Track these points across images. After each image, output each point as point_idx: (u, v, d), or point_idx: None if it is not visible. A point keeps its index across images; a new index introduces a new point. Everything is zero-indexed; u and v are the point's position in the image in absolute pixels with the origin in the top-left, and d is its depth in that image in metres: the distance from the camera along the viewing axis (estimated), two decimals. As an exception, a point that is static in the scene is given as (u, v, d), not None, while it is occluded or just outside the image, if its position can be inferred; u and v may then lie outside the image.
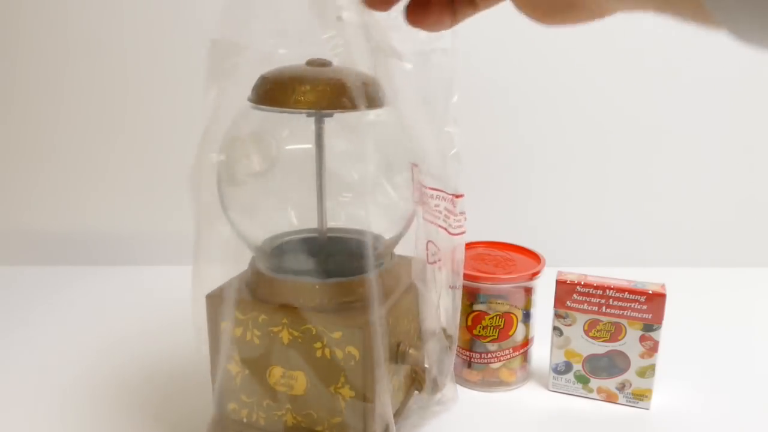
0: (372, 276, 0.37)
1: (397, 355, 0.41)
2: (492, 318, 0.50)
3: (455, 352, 0.43)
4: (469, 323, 0.51)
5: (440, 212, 0.40)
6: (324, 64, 0.38)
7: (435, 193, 0.40)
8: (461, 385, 0.52)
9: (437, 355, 0.42)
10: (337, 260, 0.42)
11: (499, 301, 0.50)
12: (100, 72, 0.73)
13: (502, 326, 0.50)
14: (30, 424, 0.47)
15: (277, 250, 0.43)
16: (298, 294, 0.39)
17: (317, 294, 0.38)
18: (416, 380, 0.43)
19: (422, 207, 0.40)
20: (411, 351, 0.41)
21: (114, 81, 0.74)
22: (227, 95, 0.37)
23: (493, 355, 0.50)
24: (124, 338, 0.60)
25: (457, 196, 0.39)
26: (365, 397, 0.38)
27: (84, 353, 0.57)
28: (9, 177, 0.79)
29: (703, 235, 0.79)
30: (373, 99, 0.37)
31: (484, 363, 0.51)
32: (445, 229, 0.40)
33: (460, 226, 0.40)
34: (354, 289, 0.39)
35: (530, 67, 0.75)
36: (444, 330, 0.43)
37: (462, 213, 0.40)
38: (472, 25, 0.67)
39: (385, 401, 0.38)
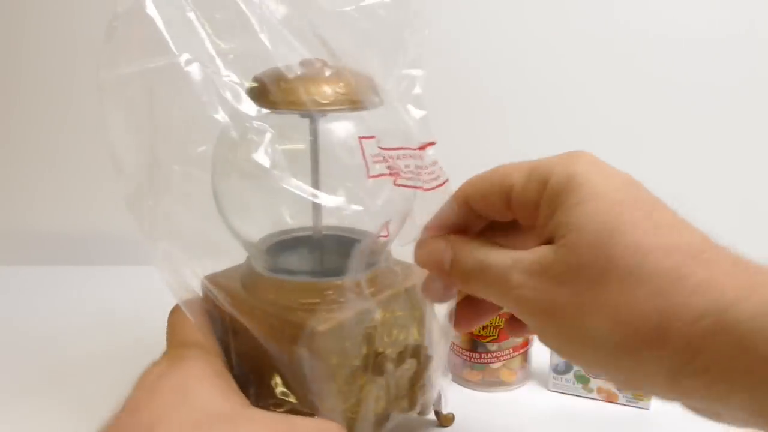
0: (348, 277, 0.37)
1: (374, 365, 0.39)
2: (492, 318, 0.50)
3: (437, 372, 0.42)
4: (469, 323, 0.51)
5: (412, 172, 0.36)
6: (318, 63, 0.38)
7: (400, 153, 0.36)
8: (461, 384, 0.52)
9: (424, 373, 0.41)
10: (329, 259, 0.42)
11: (499, 301, 0.50)
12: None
13: (502, 326, 0.50)
14: (30, 424, 0.47)
15: (271, 249, 0.43)
16: (287, 293, 0.39)
17: (302, 293, 0.38)
18: (407, 396, 0.42)
19: (394, 176, 0.36)
20: (388, 364, 0.40)
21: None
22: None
23: (493, 355, 0.50)
24: (125, 338, 0.60)
25: (422, 147, 0.35)
26: (314, 402, 0.37)
27: (84, 353, 0.57)
28: (9, 177, 0.79)
29: (703, 235, 0.78)
30: (368, 98, 0.37)
31: (484, 363, 0.51)
32: (421, 188, 0.36)
33: (435, 178, 0.35)
34: (338, 290, 0.38)
35: (528, 68, 0.75)
36: (421, 346, 0.42)
37: (434, 163, 0.35)
38: (467, 27, 0.68)
39: (334, 407, 0.37)
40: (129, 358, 0.55)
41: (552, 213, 0.27)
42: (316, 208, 0.40)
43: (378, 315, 0.38)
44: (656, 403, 0.49)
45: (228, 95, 0.35)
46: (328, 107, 0.36)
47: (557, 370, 0.50)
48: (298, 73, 0.37)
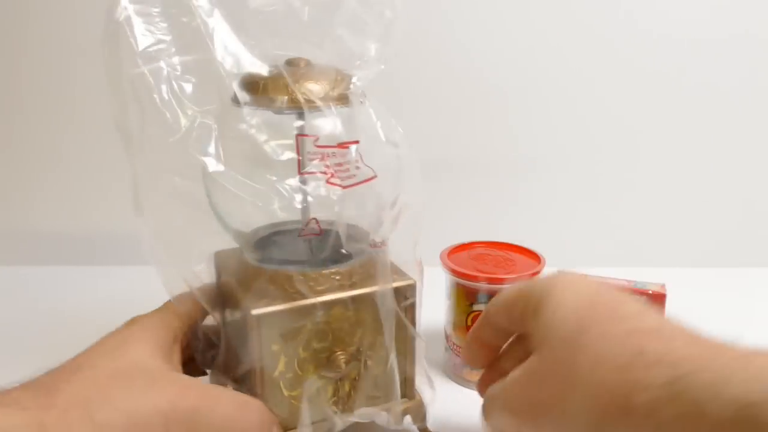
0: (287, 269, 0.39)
1: (326, 362, 0.40)
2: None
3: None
4: (469, 323, 0.51)
5: (342, 171, 0.38)
6: (302, 63, 0.39)
7: (330, 151, 0.38)
8: (461, 384, 0.52)
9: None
10: (302, 251, 0.43)
11: (499, 301, 0.50)
12: (102, 72, 0.73)
13: (502, 326, 0.50)
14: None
15: (260, 242, 0.44)
16: (250, 277, 0.40)
17: (258, 278, 0.40)
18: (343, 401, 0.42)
19: (329, 175, 0.38)
20: (342, 364, 0.40)
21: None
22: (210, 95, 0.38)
23: (493, 355, 0.50)
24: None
25: (342, 145, 0.37)
26: (256, 384, 0.38)
27: (84, 353, 0.57)
28: (9, 177, 0.79)
29: (703, 235, 0.79)
30: (352, 95, 0.39)
31: (484, 363, 0.51)
32: (340, 186, 0.38)
33: (350, 176, 0.37)
34: (288, 280, 0.39)
35: (529, 67, 0.75)
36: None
37: (351, 161, 0.37)
38: (469, 26, 0.68)
39: (276, 393, 0.38)
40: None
41: (534, 324, 0.31)
42: (304, 201, 0.40)
43: (335, 312, 0.39)
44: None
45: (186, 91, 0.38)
46: (311, 105, 0.37)
47: (557, 370, 0.50)
48: (283, 72, 0.38)
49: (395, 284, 0.40)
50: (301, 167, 0.38)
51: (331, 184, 0.38)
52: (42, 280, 0.75)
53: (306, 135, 0.38)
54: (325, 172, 0.38)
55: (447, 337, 0.54)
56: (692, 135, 0.76)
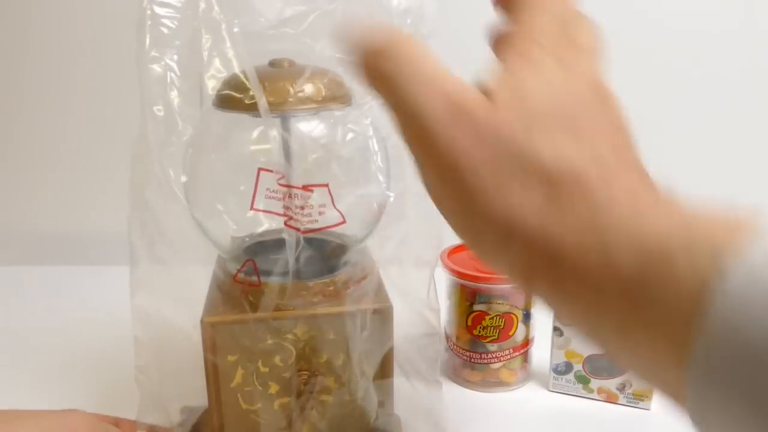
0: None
1: (289, 380, 0.38)
2: (492, 318, 0.50)
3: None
4: (470, 323, 0.51)
5: (301, 213, 0.37)
6: (286, 64, 0.37)
7: (293, 192, 0.36)
8: (461, 385, 0.52)
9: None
10: (281, 262, 0.42)
11: (499, 301, 0.50)
12: (101, 72, 0.73)
13: (502, 326, 0.50)
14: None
15: (245, 251, 0.43)
16: (227, 285, 0.39)
17: (232, 286, 0.39)
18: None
19: (286, 217, 0.36)
20: (302, 383, 0.38)
21: (115, 81, 0.74)
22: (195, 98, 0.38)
23: (494, 356, 0.50)
24: (124, 338, 0.60)
25: (306, 188, 0.35)
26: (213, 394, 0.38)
27: (85, 353, 0.57)
28: (9, 177, 0.79)
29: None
30: (338, 97, 0.37)
31: (485, 363, 0.51)
32: (299, 230, 0.36)
33: (312, 221, 0.36)
34: (254, 292, 0.38)
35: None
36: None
37: (312, 206, 0.36)
38: (470, 21, 0.67)
39: (234, 404, 0.38)
40: (128, 357, 0.56)
41: None
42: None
43: (299, 329, 0.38)
44: (656, 404, 0.49)
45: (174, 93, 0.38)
46: (296, 108, 0.36)
47: (557, 371, 0.50)
48: (267, 74, 0.37)
49: (373, 306, 0.38)
50: (253, 204, 0.36)
51: (289, 227, 0.36)
52: (42, 280, 0.75)
53: (268, 170, 0.36)
54: (285, 213, 0.36)
55: (447, 337, 0.54)
56: (692, 136, 0.76)
